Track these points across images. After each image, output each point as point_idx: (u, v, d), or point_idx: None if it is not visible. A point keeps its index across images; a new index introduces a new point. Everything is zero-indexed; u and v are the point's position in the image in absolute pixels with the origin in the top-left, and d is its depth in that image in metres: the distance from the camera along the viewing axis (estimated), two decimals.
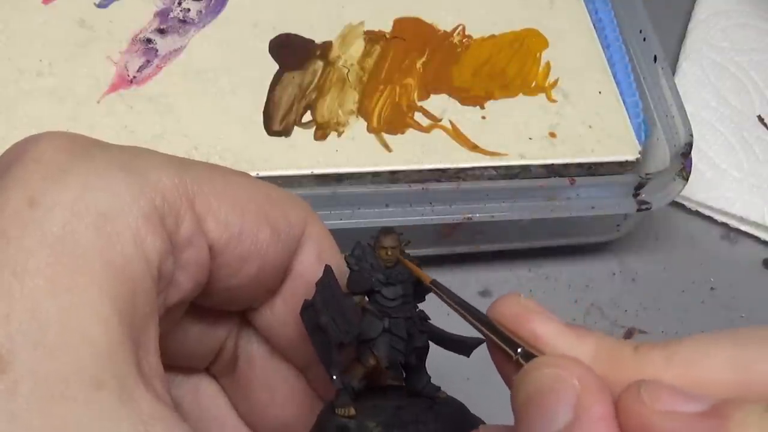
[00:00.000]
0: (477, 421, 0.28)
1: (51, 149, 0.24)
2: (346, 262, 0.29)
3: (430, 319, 0.30)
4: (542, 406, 0.22)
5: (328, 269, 0.28)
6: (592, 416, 0.21)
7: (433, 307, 0.30)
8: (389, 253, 0.29)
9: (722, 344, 0.22)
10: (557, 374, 0.22)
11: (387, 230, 0.29)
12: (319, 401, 0.31)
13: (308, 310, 0.28)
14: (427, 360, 0.30)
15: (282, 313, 0.30)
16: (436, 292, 0.28)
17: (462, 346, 0.30)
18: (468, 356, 0.30)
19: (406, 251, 0.29)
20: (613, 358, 0.23)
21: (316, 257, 0.29)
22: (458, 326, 0.29)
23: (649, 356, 0.23)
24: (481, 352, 0.29)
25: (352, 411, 0.27)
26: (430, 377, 0.29)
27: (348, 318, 0.28)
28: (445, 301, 0.27)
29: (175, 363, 0.25)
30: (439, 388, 0.29)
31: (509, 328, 0.25)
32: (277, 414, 0.31)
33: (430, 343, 0.30)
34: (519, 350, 0.24)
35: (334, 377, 0.27)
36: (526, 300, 0.25)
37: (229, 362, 0.32)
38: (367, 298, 0.29)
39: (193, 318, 0.29)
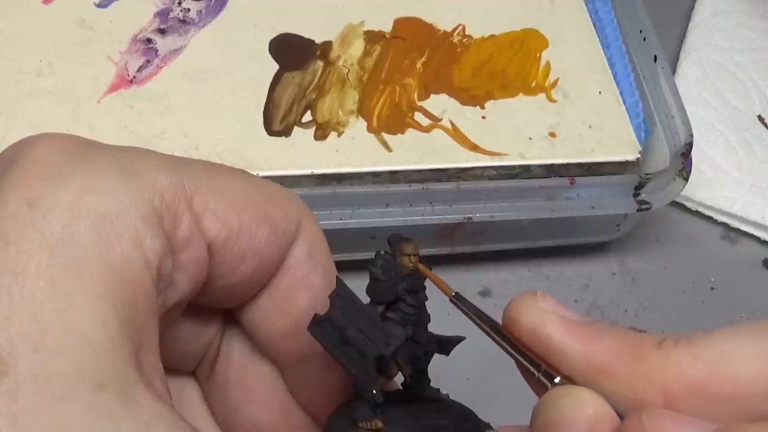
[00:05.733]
0: (483, 423, 0.28)
1: (49, 150, 0.24)
2: (371, 272, 0.28)
3: None
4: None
5: (340, 281, 0.27)
6: None
7: (432, 307, 0.29)
8: (412, 260, 0.29)
9: (751, 338, 0.22)
10: (573, 404, 0.23)
11: (404, 237, 0.29)
12: (296, 404, 0.31)
13: (322, 324, 0.27)
14: None
15: (267, 307, 0.29)
16: (458, 306, 0.28)
17: (443, 345, 0.29)
18: (447, 355, 0.29)
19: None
20: (634, 356, 0.23)
21: (306, 253, 0.29)
22: (451, 327, 0.29)
23: (675, 353, 0.23)
24: (481, 352, 0.29)
25: (379, 424, 0.26)
26: (430, 380, 0.29)
27: (382, 329, 0.27)
28: (468, 316, 0.27)
29: (164, 365, 0.25)
30: (438, 390, 0.29)
31: (526, 341, 0.25)
32: (252, 415, 0.31)
33: None
34: (541, 369, 0.25)
35: (375, 392, 0.26)
36: (543, 299, 0.26)
37: (212, 362, 0.31)
38: (384, 307, 0.28)
39: (186, 317, 0.29)
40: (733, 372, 0.22)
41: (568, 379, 0.24)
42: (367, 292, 0.28)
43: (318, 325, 0.27)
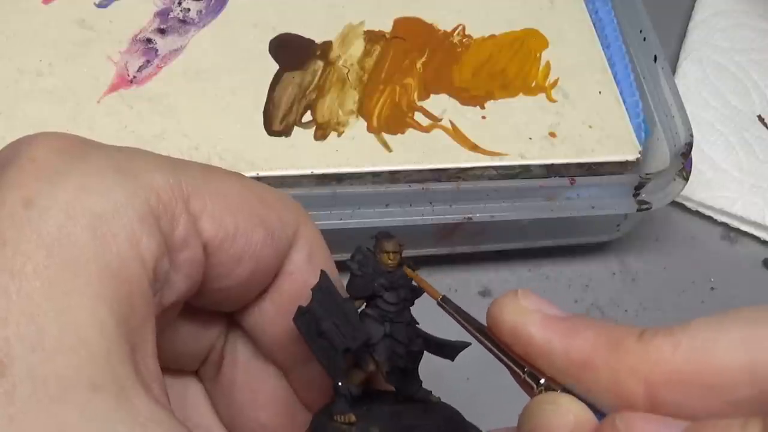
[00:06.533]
0: (471, 427, 0.28)
1: (46, 150, 0.24)
2: (348, 267, 0.28)
3: (418, 323, 0.29)
4: None
5: (324, 275, 0.28)
6: None
7: (427, 309, 0.29)
8: (391, 257, 0.29)
9: (730, 326, 0.22)
10: (557, 410, 0.24)
11: (387, 234, 0.29)
12: (301, 405, 0.31)
13: (304, 316, 0.27)
14: (424, 360, 0.30)
15: (269, 312, 0.30)
16: (446, 309, 0.28)
17: (447, 350, 0.29)
18: (452, 360, 0.29)
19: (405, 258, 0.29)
20: (614, 347, 0.23)
21: (306, 257, 0.29)
22: (449, 331, 0.29)
23: (654, 343, 0.23)
24: (481, 352, 0.29)
25: (353, 417, 0.27)
26: (421, 381, 0.29)
27: (353, 323, 0.27)
28: (456, 319, 0.27)
29: (165, 364, 0.25)
30: (430, 392, 0.29)
31: (510, 341, 0.25)
32: (257, 416, 0.31)
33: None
34: (526, 370, 0.25)
35: (340, 384, 0.27)
36: (524, 296, 0.26)
37: (216, 364, 0.31)
38: (365, 303, 0.29)
39: (185, 318, 0.29)
40: (713, 360, 0.22)
41: (551, 380, 0.25)
42: (346, 287, 0.28)
43: (301, 316, 0.27)
